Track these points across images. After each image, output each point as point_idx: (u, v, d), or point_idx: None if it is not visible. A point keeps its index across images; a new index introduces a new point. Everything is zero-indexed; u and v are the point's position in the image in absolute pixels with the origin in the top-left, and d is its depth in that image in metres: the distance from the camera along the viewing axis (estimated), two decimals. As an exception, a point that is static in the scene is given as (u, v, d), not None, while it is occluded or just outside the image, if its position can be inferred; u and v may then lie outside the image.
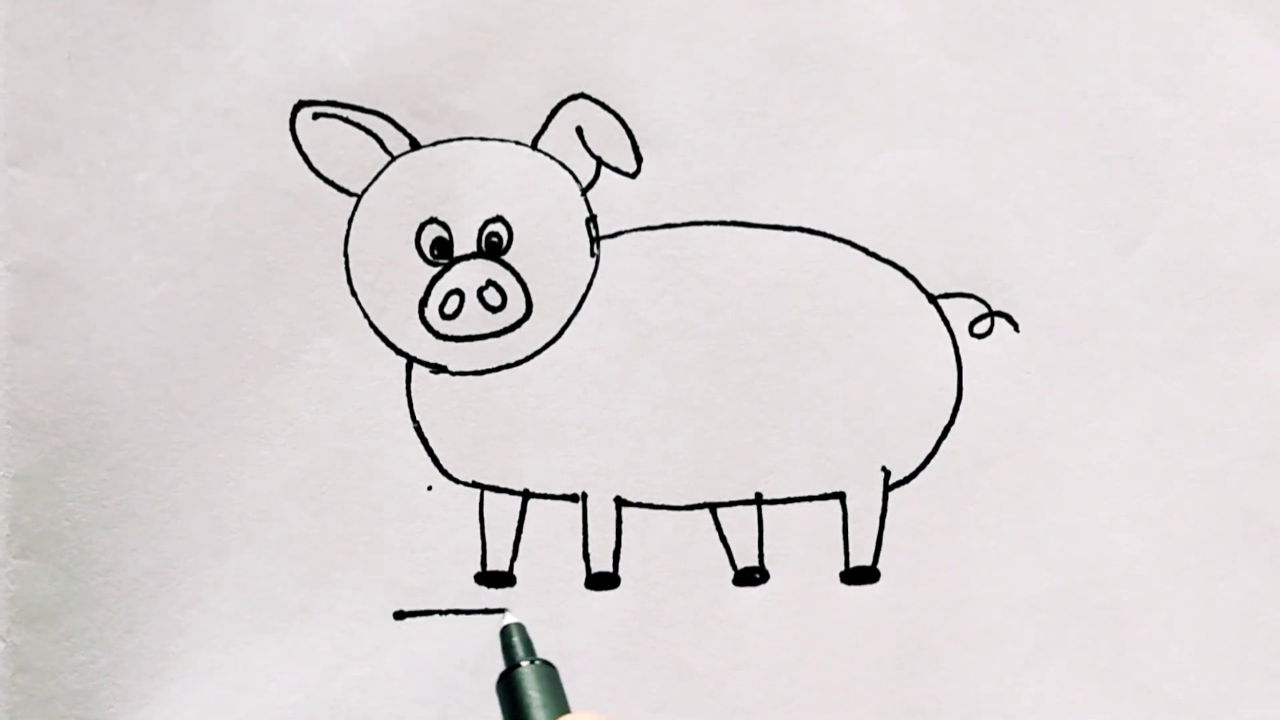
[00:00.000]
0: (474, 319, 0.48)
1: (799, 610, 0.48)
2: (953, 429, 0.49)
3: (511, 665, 0.45)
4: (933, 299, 0.49)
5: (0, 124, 0.47)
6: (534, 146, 0.48)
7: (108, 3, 0.47)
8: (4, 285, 0.46)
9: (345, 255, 0.48)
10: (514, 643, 0.46)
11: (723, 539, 0.48)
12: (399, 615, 0.48)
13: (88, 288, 0.47)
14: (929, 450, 0.49)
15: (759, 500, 0.48)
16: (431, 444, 0.48)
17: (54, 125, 0.47)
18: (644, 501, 0.48)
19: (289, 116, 0.47)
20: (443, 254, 0.48)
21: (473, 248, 0.48)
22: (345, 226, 0.48)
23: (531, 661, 0.45)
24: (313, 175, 0.47)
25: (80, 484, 0.47)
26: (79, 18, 0.47)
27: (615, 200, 0.48)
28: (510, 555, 0.48)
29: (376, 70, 0.47)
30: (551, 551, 0.48)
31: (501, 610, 0.47)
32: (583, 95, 0.48)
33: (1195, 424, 0.49)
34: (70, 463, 0.47)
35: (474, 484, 0.48)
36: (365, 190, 0.48)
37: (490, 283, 0.48)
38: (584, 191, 0.48)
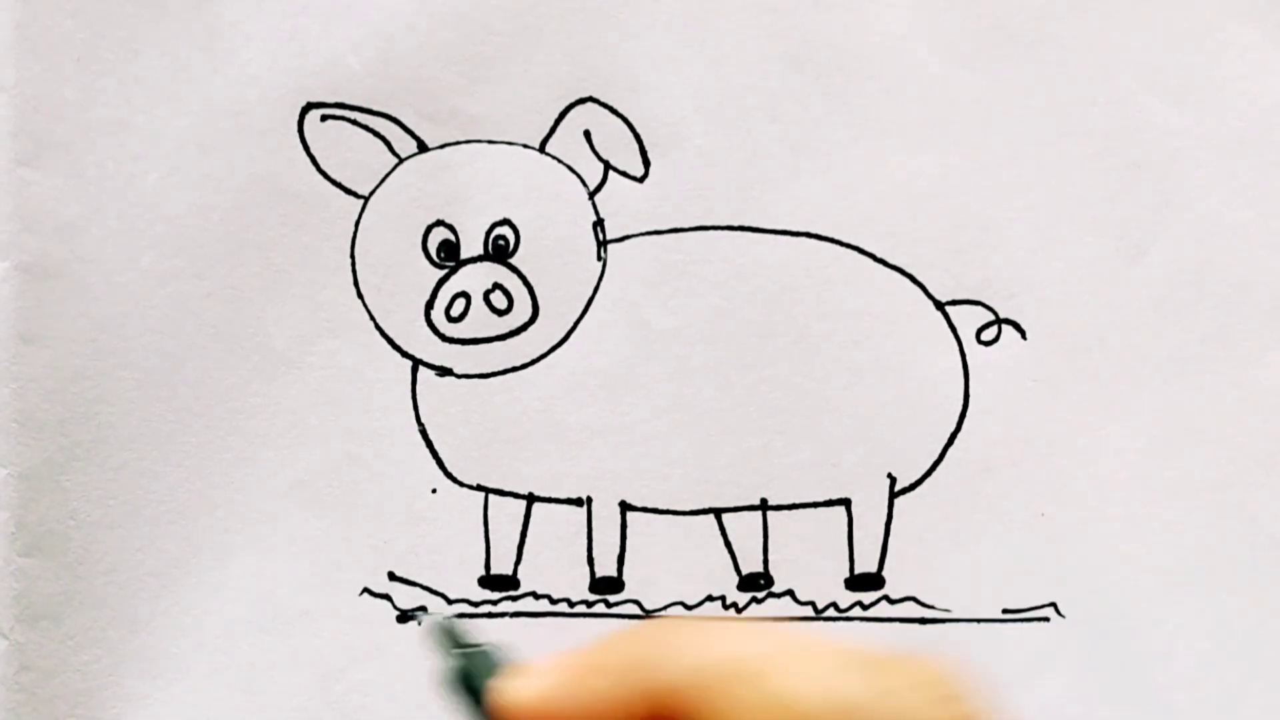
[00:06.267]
0: (480, 322, 0.48)
1: (803, 616, 0.48)
2: (959, 436, 0.48)
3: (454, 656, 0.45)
4: (940, 306, 0.49)
5: (10, 124, 0.47)
6: (542, 150, 0.48)
7: (118, 5, 0.47)
8: (12, 285, 0.47)
9: (352, 257, 0.48)
10: (456, 634, 0.46)
11: (727, 544, 0.48)
12: (402, 618, 0.47)
13: (95, 288, 0.47)
14: (935, 457, 0.48)
15: (764, 506, 0.48)
16: (436, 447, 0.48)
17: (63, 126, 0.47)
18: (649, 506, 0.48)
19: (297, 119, 0.47)
20: (449, 256, 0.48)
21: (479, 250, 0.48)
22: (352, 229, 0.48)
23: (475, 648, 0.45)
24: (320, 177, 0.48)
25: (85, 483, 0.47)
26: (89, 20, 0.47)
27: (623, 204, 0.48)
28: (514, 559, 0.48)
29: (385, 73, 0.47)
30: (556, 555, 0.48)
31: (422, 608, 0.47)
32: (591, 99, 0.48)
33: (1202, 433, 0.49)
34: (76, 462, 0.47)
35: (479, 487, 0.48)
36: (372, 192, 0.48)
37: (496, 286, 0.48)
38: (591, 195, 0.48)
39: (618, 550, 0.48)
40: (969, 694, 0.36)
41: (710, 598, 0.48)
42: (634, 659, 0.36)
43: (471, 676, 0.44)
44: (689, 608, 0.48)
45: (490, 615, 0.48)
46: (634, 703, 0.35)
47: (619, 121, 0.48)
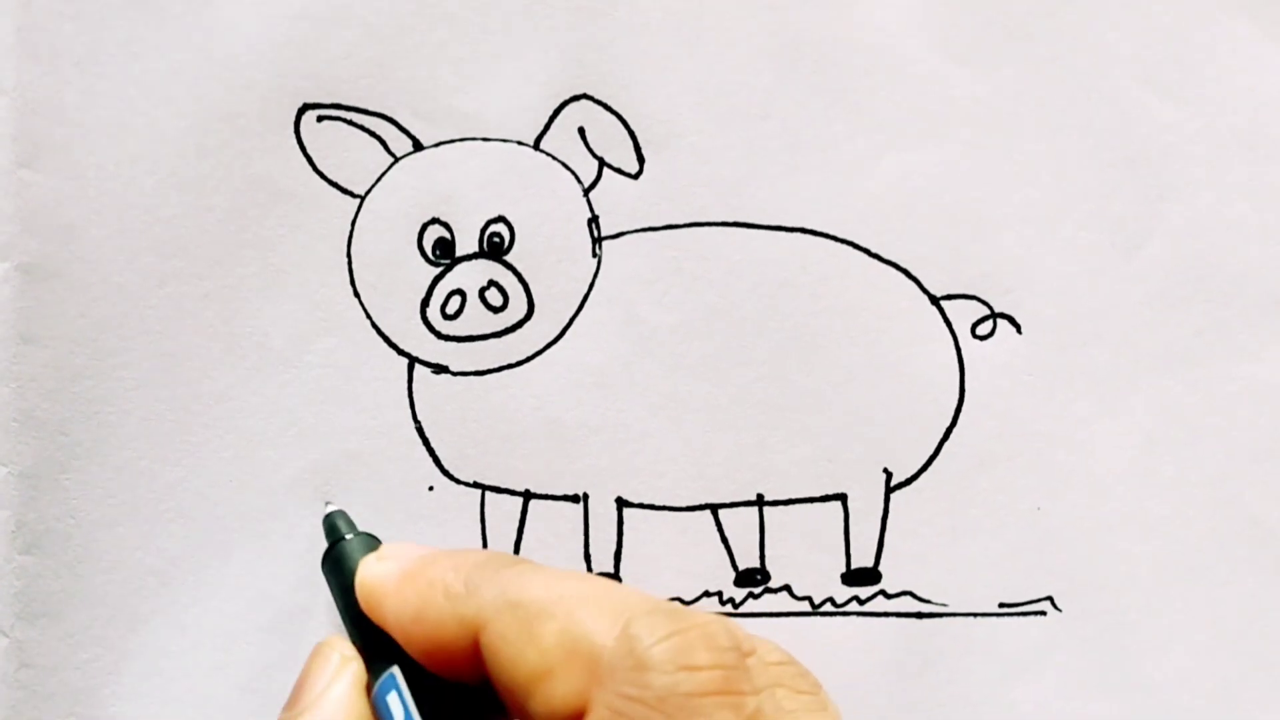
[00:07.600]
0: (475, 319, 0.48)
1: (800, 611, 0.48)
2: (954, 431, 0.48)
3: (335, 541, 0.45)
4: (935, 300, 0.49)
5: (10, 127, 0.47)
6: (536, 147, 0.48)
7: (117, 9, 0.48)
8: (12, 285, 0.47)
9: (348, 256, 0.48)
10: (337, 524, 0.46)
11: (724, 540, 0.48)
12: (400, 615, 0.48)
13: (95, 289, 0.47)
14: (931, 452, 0.48)
15: (760, 501, 0.48)
16: (433, 444, 0.48)
17: (63, 129, 0.47)
18: (645, 502, 0.48)
19: (294, 119, 0.48)
20: (445, 254, 0.48)
21: (474, 248, 0.48)
22: (348, 228, 0.48)
23: (354, 535, 0.45)
24: (317, 177, 0.48)
25: (85, 482, 0.47)
26: (89, 23, 0.47)
27: (617, 201, 0.48)
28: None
29: (380, 73, 0.48)
30: (553, 552, 0.48)
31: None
32: (585, 96, 0.48)
33: (1198, 428, 0.49)
34: (75, 461, 0.47)
35: (475, 484, 0.48)
36: (368, 192, 0.48)
37: (492, 283, 0.48)
38: (586, 192, 0.48)
39: (614, 546, 0.48)
40: (749, 649, 0.37)
41: (707, 593, 0.48)
42: (466, 585, 0.39)
43: (341, 560, 0.45)
44: (686, 603, 0.48)
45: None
46: (457, 626, 0.39)
47: (613, 118, 0.48)
